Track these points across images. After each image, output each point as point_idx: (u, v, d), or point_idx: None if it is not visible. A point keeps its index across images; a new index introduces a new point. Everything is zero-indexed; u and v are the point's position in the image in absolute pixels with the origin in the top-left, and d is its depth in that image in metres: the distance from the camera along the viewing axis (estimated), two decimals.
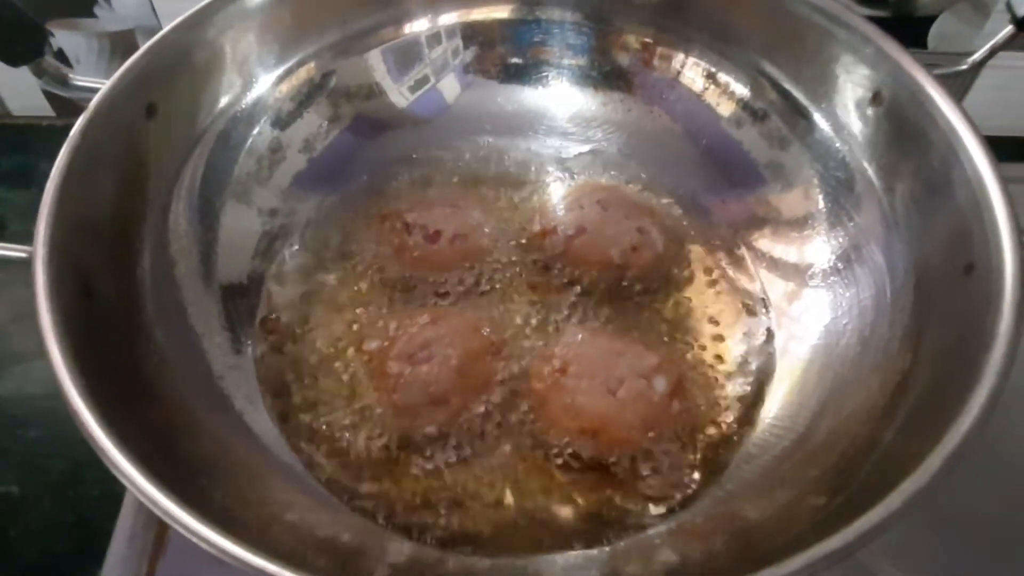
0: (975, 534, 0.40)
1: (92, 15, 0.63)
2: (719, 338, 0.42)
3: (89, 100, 0.36)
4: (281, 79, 0.46)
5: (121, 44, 0.65)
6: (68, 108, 0.64)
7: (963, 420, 0.27)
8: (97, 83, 0.37)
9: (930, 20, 0.67)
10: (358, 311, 0.43)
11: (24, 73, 0.40)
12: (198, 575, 0.37)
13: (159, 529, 0.39)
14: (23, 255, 0.31)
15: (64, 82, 0.38)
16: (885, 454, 0.31)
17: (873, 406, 0.34)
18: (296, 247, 0.45)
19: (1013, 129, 0.67)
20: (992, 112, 0.63)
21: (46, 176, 0.66)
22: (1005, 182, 0.33)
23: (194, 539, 0.25)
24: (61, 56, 0.65)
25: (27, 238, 0.32)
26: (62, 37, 0.64)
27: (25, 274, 0.31)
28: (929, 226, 0.37)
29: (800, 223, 0.44)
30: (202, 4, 0.40)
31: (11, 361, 0.52)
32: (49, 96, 0.65)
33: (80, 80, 0.38)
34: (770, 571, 0.24)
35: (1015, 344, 0.29)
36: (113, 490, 0.44)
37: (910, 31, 0.63)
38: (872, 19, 0.40)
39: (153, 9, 0.62)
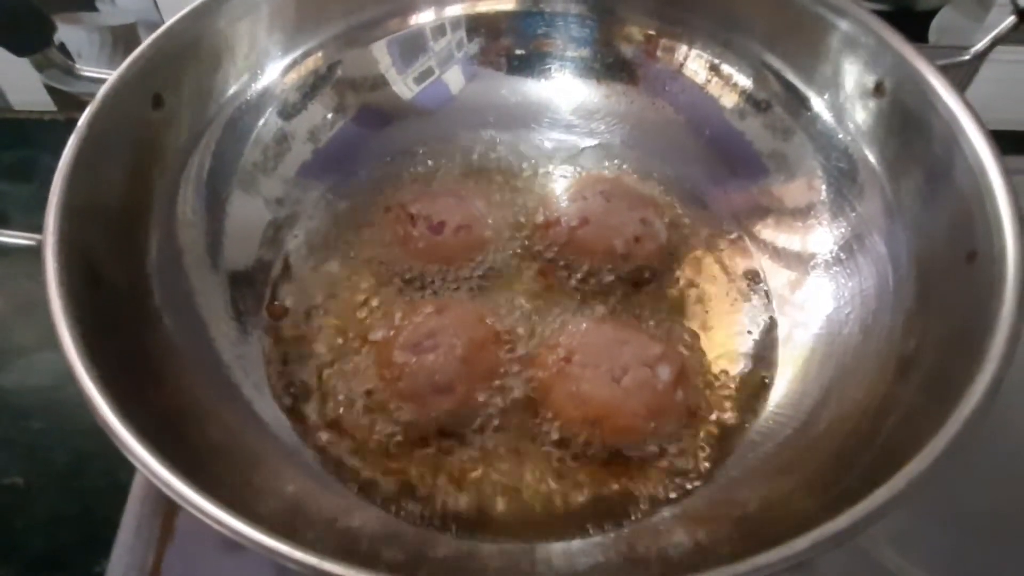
0: (979, 522, 0.40)
1: (94, 9, 0.64)
2: (722, 327, 0.43)
3: (92, 93, 0.36)
4: (287, 69, 0.46)
5: (123, 38, 0.65)
6: (70, 102, 0.64)
7: (965, 405, 0.27)
8: (103, 74, 0.37)
9: (931, 14, 0.67)
10: (363, 301, 0.43)
11: (26, 67, 0.40)
12: (205, 563, 0.38)
13: (166, 518, 0.39)
14: (32, 243, 0.31)
15: (70, 73, 0.39)
16: (888, 440, 0.32)
17: (876, 394, 0.35)
18: (302, 237, 0.46)
19: (1013, 123, 0.67)
20: (992, 105, 0.64)
21: (48, 170, 0.66)
22: (1007, 170, 0.33)
23: (208, 521, 0.25)
24: (63, 50, 0.65)
25: (31, 231, 0.32)
26: (64, 31, 0.64)
27: (28, 266, 0.31)
28: (932, 214, 0.37)
29: (803, 213, 0.44)
30: None
31: (14, 353, 0.52)
32: (50, 90, 0.65)
33: (87, 71, 0.38)
34: (776, 551, 0.24)
35: (1017, 330, 0.29)
36: (118, 481, 0.44)
37: (911, 25, 0.63)
38: (873, 13, 0.40)
39: (155, 3, 0.62)
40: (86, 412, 0.28)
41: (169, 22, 0.39)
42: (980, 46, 0.42)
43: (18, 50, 0.37)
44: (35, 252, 0.32)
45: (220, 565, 0.38)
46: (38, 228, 0.32)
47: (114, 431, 0.27)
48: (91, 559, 0.42)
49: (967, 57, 0.42)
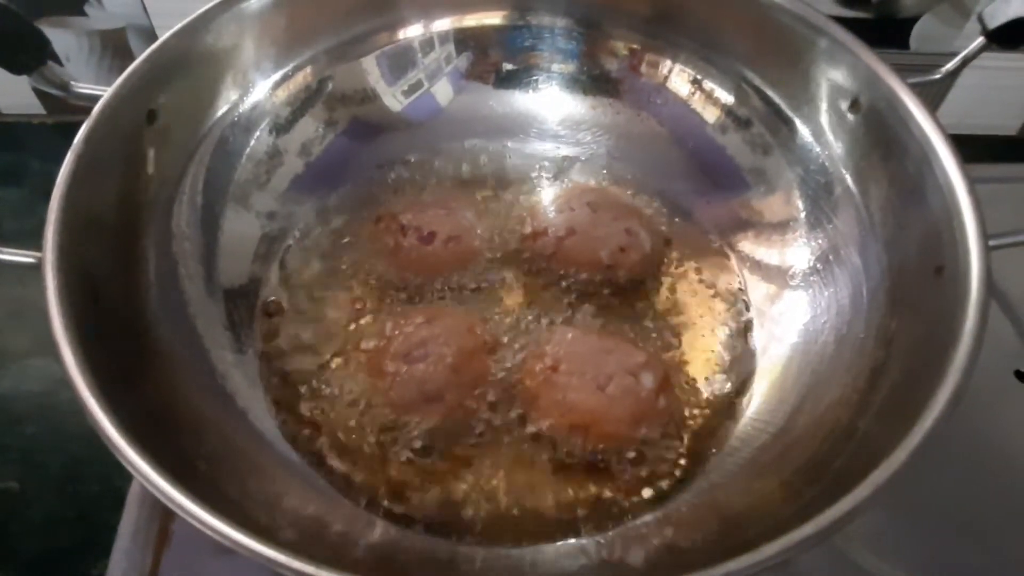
0: (952, 522, 0.42)
1: (83, 13, 0.63)
2: (704, 336, 0.44)
3: (82, 97, 0.37)
4: (278, 85, 0.46)
5: (112, 43, 0.64)
6: (59, 106, 0.64)
7: (929, 414, 0.29)
8: (98, 90, 0.37)
9: (912, 21, 0.68)
10: (354, 311, 0.44)
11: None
12: (201, 567, 0.39)
13: (163, 523, 0.40)
14: (32, 260, 0.32)
15: (66, 89, 0.39)
16: (859, 445, 0.33)
17: (848, 400, 0.36)
18: (294, 250, 0.46)
19: (991, 128, 0.69)
20: (971, 111, 0.65)
21: (38, 174, 0.66)
22: (975, 189, 0.35)
23: (206, 530, 0.26)
24: (51, 55, 0.64)
25: (21, 237, 0.33)
26: (52, 36, 0.63)
27: (20, 272, 0.32)
28: (903, 229, 0.38)
29: (781, 226, 0.45)
30: (200, 11, 0.41)
31: (7, 359, 0.52)
32: (40, 94, 0.65)
33: (81, 87, 0.39)
34: (748, 557, 0.25)
35: (979, 343, 0.30)
36: (112, 485, 0.45)
37: (893, 32, 0.65)
38: (855, 20, 0.41)
39: (144, 8, 0.62)
40: (80, 417, 0.28)
41: (162, 38, 0.40)
42: (951, 65, 0.43)
43: (14, 69, 0.37)
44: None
45: (216, 569, 0.38)
46: (29, 233, 0.33)
47: (115, 443, 0.27)
48: (86, 563, 0.43)
49: (938, 76, 0.43)
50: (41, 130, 0.66)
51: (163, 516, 0.40)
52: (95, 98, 0.37)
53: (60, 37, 0.64)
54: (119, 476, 0.44)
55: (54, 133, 0.66)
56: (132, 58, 0.38)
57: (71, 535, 0.45)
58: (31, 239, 0.33)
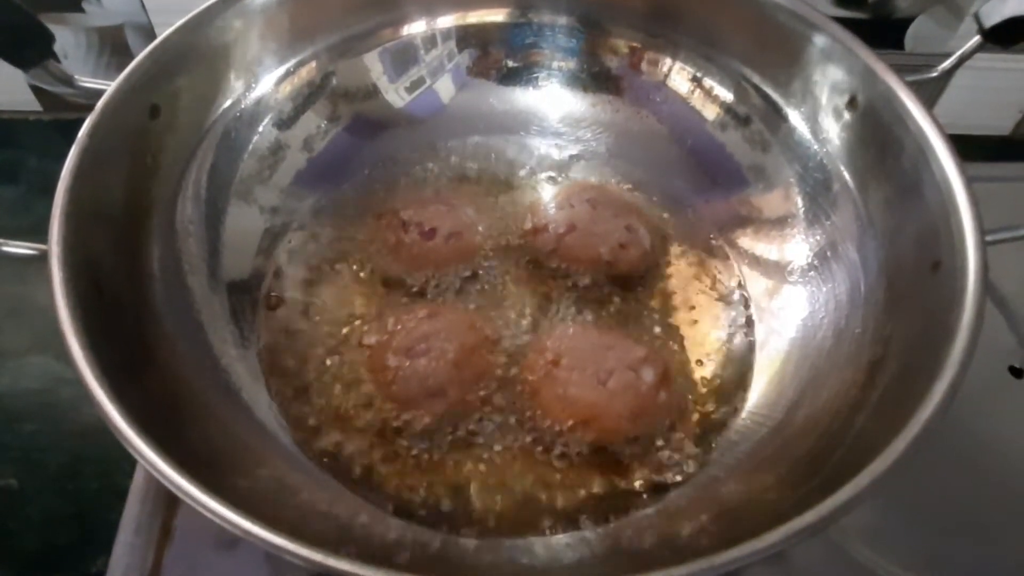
0: (946, 516, 0.42)
1: (81, 10, 0.63)
2: (703, 331, 0.44)
3: (81, 94, 0.37)
4: (281, 80, 0.47)
5: (110, 39, 0.64)
6: (55, 102, 0.64)
7: (926, 408, 0.29)
8: (102, 85, 0.37)
9: (907, 22, 0.69)
10: (357, 307, 0.44)
11: (10, 67, 0.40)
12: (204, 562, 0.39)
13: (165, 518, 0.40)
14: (36, 253, 0.32)
15: (70, 83, 0.39)
16: (857, 438, 0.33)
17: (846, 395, 0.36)
18: (296, 244, 0.46)
19: (984, 128, 0.70)
20: (966, 111, 0.66)
21: (34, 171, 0.66)
22: (971, 186, 0.35)
23: (214, 518, 0.26)
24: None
25: (18, 233, 0.33)
26: None
27: (19, 269, 0.32)
28: (900, 225, 0.39)
29: (780, 222, 0.46)
30: (204, 6, 0.41)
31: (6, 356, 0.52)
32: (36, 90, 0.65)
33: (86, 82, 0.39)
34: (749, 545, 0.26)
35: (975, 338, 0.31)
36: (112, 482, 0.45)
37: (888, 33, 0.65)
38: (851, 21, 0.42)
39: (142, 5, 0.62)
40: (79, 415, 0.28)
41: (165, 33, 0.40)
42: (947, 64, 0.44)
43: (20, 63, 0.37)
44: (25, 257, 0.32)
45: (218, 564, 0.38)
46: (26, 230, 0.33)
47: (122, 433, 0.27)
48: (85, 560, 0.43)
49: (935, 74, 0.44)
50: (38, 127, 0.66)
51: (166, 512, 0.40)
52: (98, 93, 0.37)
53: (58, 34, 0.63)
54: (118, 473, 0.44)
55: (51, 130, 0.66)
56: (130, 55, 0.39)
57: (70, 532, 0.45)
58: (29, 236, 0.33)
